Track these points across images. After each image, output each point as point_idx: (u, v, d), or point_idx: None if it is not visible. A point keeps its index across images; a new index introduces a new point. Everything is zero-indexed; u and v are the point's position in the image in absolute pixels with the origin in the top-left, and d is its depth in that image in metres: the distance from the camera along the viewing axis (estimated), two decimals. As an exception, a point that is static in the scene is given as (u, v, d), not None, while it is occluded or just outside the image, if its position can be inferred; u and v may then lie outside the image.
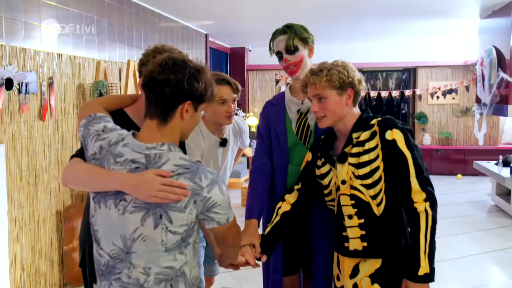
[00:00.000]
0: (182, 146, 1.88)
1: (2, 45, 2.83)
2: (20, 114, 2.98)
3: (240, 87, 2.32)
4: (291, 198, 1.97)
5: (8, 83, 2.85)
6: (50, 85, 3.26)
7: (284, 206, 1.97)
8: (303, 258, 2.19)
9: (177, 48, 1.72)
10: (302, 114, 2.10)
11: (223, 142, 2.37)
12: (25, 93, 3.00)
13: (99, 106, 1.55)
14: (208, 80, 1.38)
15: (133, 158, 1.32)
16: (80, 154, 1.50)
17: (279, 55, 2.11)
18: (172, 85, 1.30)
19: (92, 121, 1.44)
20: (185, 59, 1.36)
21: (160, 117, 1.35)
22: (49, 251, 3.30)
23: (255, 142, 2.31)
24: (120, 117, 1.62)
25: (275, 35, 2.12)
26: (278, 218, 1.97)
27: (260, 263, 1.97)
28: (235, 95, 2.28)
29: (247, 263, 1.88)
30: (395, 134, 1.67)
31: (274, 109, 2.18)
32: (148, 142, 1.34)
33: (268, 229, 1.98)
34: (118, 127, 1.46)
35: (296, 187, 1.98)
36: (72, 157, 1.54)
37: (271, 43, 2.15)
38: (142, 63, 1.70)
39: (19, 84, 2.95)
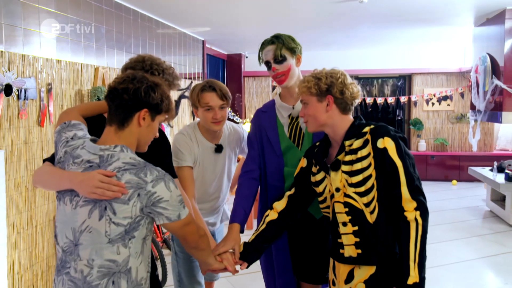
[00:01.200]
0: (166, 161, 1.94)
1: (1, 51, 2.85)
2: (19, 120, 3.00)
3: (229, 95, 2.30)
4: (279, 206, 1.98)
5: (7, 89, 2.87)
6: (49, 91, 3.28)
7: (272, 215, 1.98)
8: (297, 263, 2.21)
9: (164, 61, 1.84)
10: (293, 118, 2.15)
11: (218, 148, 2.37)
12: (24, 99, 3.02)
13: (76, 114, 1.67)
14: (164, 94, 1.51)
15: (89, 159, 1.45)
16: (52, 158, 1.61)
17: (268, 64, 2.17)
18: (130, 93, 1.44)
19: (66, 129, 1.57)
20: (144, 75, 1.51)
21: (118, 123, 1.48)
22: (47, 256, 3.30)
23: None
24: (100, 122, 1.67)
25: (264, 45, 2.18)
26: (263, 226, 1.98)
27: (257, 267, 2.00)
28: (222, 102, 2.26)
29: (226, 269, 1.90)
30: (386, 143, 1.68)
31: (265, 116, 2.22)
32: (103, 145, 1.47)
33: (252, 237, 1.99)
34: (88, 135, 1.56)
35: (288, 193, 1.99)
36: (44, 160, 1.65)
37: (260, 52, 2.20)
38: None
39: (18, 90, 2.97)
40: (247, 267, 1.99)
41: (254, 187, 2.18)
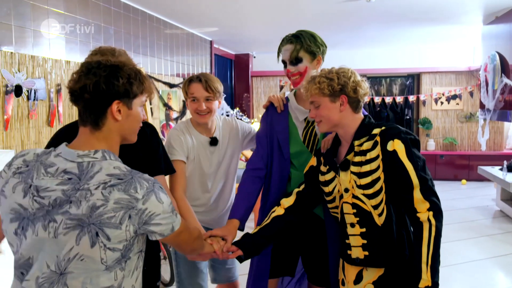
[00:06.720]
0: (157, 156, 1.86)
1: (11, 52, 2.89)
2: (29, 120, 3.03)
3: (215, 87, 2.21)
4: (286, 202, 1.96)
5: (18, 90, 2.91)
6: (58, 91, 3.31)
7: (278, 210, 1.96)
8: (290, 264, 2.16)
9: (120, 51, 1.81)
10: (309, 122, 2.08)
11: (213, 141, 2.30)
12: (34, 100, 3.06)
13: None
14: (131, 73, 1.28)
15: (65, 168, 1.22)
16: None
17: (284, 63, 2.10)
18: (90, 90, 1.23)
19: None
20: (100, 60, 1.27)
21: (92, 124, 1.27)
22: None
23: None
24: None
25: (283, 42, 2.08)
26: (268, 221, 1.96)
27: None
28: (208, 94, 2.19)
29: (215, 253, 1.87)
30: (396, 145, 1.65)
31: (277, 115, 2.14)
32: (80, 149, 1.25)
33: (255, 230, 1.97)
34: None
35: (297, 190, 1.97)
36: None
37: (280, 47, 2.11)
38: None
39: (28, 91, 3.01)
40: (241, 261, 1.95)
41: (258, 185, 2.12)
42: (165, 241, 1.35)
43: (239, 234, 2.05)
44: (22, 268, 1.25)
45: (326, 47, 2.09)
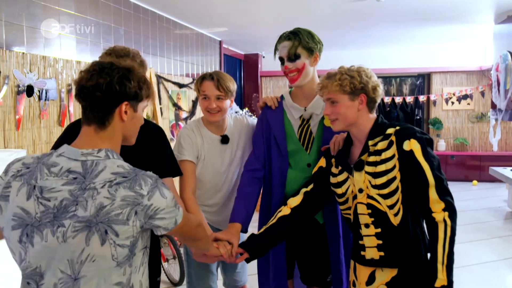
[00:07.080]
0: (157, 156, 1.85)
1: (23, 53, 2.91)
2: (40, 120, 3.05)
3: (226, 86, 2.20)
4: (293, 202, 1.94)
5: (29, 90, 2.93)
6: (69, 91, 3.33)
7: (284, 210, 1.94)
8: (289, 268, 2.15)
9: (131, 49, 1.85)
10: (304, 120, 2.07)
11: (224, 139, 2.29)
12: (45, 100, 3.08)
13: None
14: (140, 78, 1.33)
15: (69, 167, 1.23)
16: None
17: (281, 60, 2.09)
18: (103, 89, 1.25)
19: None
20: (112, 62, 1.31)
21: (98, 123, 1.29)
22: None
23: None
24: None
25: (281, 39, 2.08)
26: (274, 221, 1.94)
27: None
28: (219, 93, 2.18)
29: (222, 256, 1.87)
30: (412, 145, 1.64)
31: (272, 113, 2.14)
32: (83, 148, 1.27)
33: (261, 230, 1.96)
34: None
35: (304, 190, 1.94)
36: None
37: (277, 45, 2.11)
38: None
39: (39, 91, 3.03)
40: (247, 262, 1.95)
41: (257, 186, 2.11)
42: (169, 233, 1.38)
43: (244, 235, 2.04)
44: (28, 278, 1.24)
45: (322, 45, 2.08)
